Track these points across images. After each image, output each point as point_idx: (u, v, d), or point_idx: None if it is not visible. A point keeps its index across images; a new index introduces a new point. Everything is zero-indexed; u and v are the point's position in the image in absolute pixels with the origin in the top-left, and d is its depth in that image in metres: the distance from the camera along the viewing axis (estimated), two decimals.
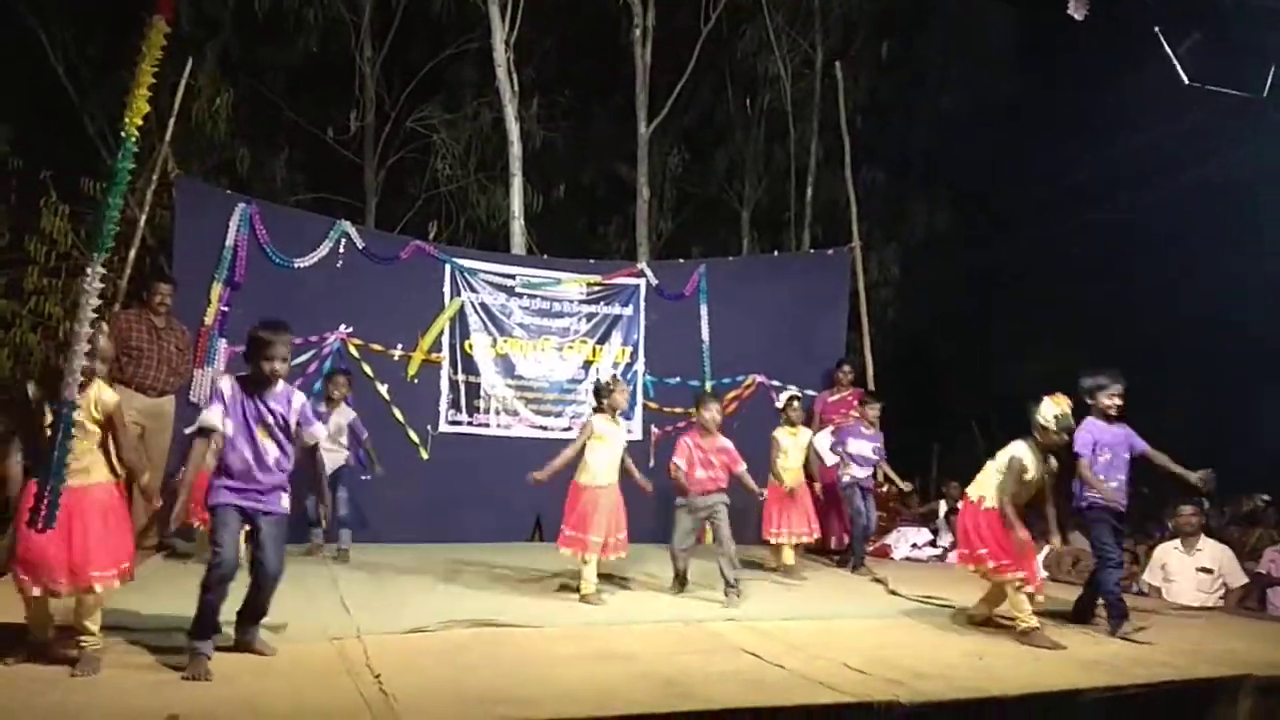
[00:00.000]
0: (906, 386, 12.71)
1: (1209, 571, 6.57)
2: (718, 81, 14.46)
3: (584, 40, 13.41)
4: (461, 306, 8.51)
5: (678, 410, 8.68)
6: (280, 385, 4.03)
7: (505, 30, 10.62)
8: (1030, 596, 4.98)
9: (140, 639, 4.07)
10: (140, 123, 3.70)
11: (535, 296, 8.82)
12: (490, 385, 8.56)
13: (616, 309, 9.02)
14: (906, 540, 8.80)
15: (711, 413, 6.09)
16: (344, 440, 6.82)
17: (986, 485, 5.19)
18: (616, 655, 4.26)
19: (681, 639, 4.73)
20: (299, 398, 4.10)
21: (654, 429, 8.71)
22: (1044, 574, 5.89)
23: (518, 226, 10.61)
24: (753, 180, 15.04)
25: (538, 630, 4.77)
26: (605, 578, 5.87)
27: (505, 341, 8.65)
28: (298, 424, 4.04)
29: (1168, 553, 6.79)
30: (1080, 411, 5.35)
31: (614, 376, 6.23)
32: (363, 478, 7.05)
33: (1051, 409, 5.07)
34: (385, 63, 12.79)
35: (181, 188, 7.84)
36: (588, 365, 8.84)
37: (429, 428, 8.24)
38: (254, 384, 3.98)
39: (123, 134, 3.68)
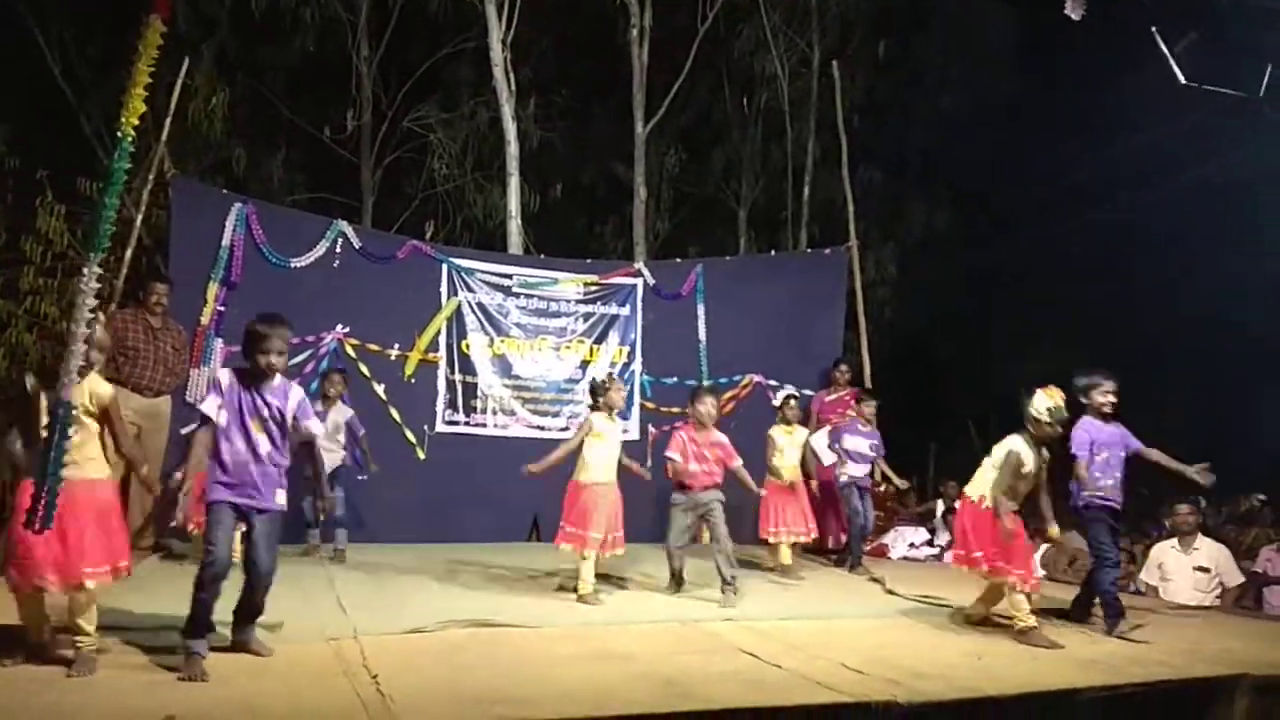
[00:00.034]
0: (904, 386, 12.71)
1: (1206, 571, 6.58)
2: (715, 81, 14.46)
3: (581, 40, 13.41)
4: (458, 306, 8.50)
5: (675, 410, 8.66)
6: (278, 379, 4.03)
7: (502, 30, 10.61)
8: (1026, 595, 4.98)
9: (136, 639, 4.06)
10: (136, 122, 3.70)
11: (532, 296, 8.81)
12: (487, 385, 8.55)
13: (614, 309, 9.02)
14: (904, 540, 8.81)
15: (706, 406, 6.09)
16: (341, 439, 6.82)
17: (984, 483, 5.19)
18: (614, 655, 4.26)
19: (679, 639, 4.73)
20: (297, 392, 4.10)
21: (651, 429, 8.70)
22: (1041, 572, 5.90)
23: (515, 226, 10.61)
24: (750, 180, 15.04)
25: (535, 630, 4.76)
26: (602, 578, 5.86)
27: (502, 341, 8.64)
28: (295, 417, 4.04)
29: (1165, 552, 6.80)
30: (1076, 412, 5.37)
31: (609, 375, 6.24)
32: (359, 477, 7.05)
33: (1044, 401, 5.08)
34: (382, 62, 12.77)
35: (178, 187, 7.82)
36: (585, 365, 8.83)
37: (426, 428, 8.23)
38: (251, 377, 3.98)
39: (119, 134, 3.67)
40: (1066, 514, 5.58)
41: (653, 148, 13.05)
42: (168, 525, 6.17)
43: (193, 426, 4.39)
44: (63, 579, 3.62)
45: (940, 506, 10.01)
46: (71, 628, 3.68)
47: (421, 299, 8.38)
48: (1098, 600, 5.37)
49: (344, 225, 8.25)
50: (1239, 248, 12.32)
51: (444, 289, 8.48)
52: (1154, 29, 7.09)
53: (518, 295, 8.76)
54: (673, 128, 13.93)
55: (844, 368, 8.70)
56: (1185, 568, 6.63)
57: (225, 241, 7.62)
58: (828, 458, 7.58)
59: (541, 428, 8.62)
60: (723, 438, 6.12)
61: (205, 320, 7.44)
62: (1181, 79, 6.97)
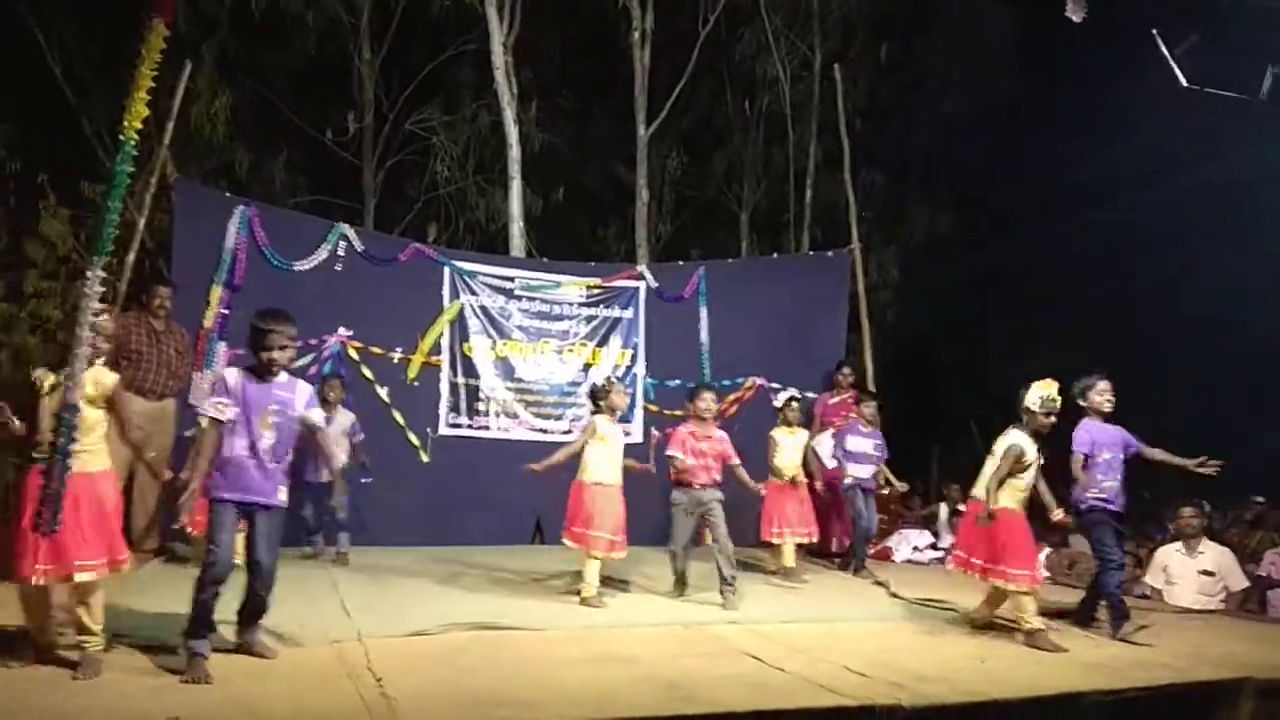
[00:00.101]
0: (907, 389, 12.72)
1: (1210, 574, 6.57)
2: (716, 84, 14.45)
3: (582, 43, 13.40)
4: (461, 309, 8.51)
5: (678, 413, 8.62)
6: (284, 376, 4.05)
7: (504, 32, 10.62)
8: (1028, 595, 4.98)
9: (141, 642, 4.06)
10: (139, 126, 3.71)
11: (535, 299, 8.81)
12: (490, 388, 8.55)
13: (616, 311, 9.02)
14: (908, 543, 8.80)
15: (705, 402, 6.13)
16: (344, 443, 6.82)
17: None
18: (618, 658, 4.26)
19: (683, 642, 4.73)
20: (305, 388, 4.13)
21: (654, 431, 8.67)
22: (1045, 574, 5.90)
23: (517, 229, 10.61)
24: (752, 183, 15.03)
25: (539, 633, 4.77)
26: (605, 580, 5.86)
27: (505, 344, 8.64)
28: (304, 413, 4.06)
29: (1169, 555, 6.79)
30: (1077, 415, 5.38)
31: (608, 379, 6.23)
32: (363, 480, 7.04)
33: (1038, 392, 5.12)
34: (384, 64, 12.77)
35: (180, 191, 7.84)
36: (587, 368, 8.83)
37: (429, 430, 8.23)
38: (257, 374, 4.00)
39: (122, 137, 3.69)
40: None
41: (655, 151, 13.04)
42: (171, 527, 6.18)
43: (192, 432, 4.40)
44: (54, 571, 3.60)
45: (944, 510, 10.00)
46: (78, 627, 3.68)
47: (424, 302, 8.38)
48: (1102, 603, 5.36)
49: (346, 228, 8.25)
50: (1239, 248, 12.32)
51: (446, 292, 8.48)
52: (1155, 31, 7.09)
53: (520, 298, 8.76)
54: (674, 130, 13.92)
55: (846, 370, 8.70)
56: (1190, 571, 6.62)
57: (228, 244, 7.62)
58: (832, 464, 7.57)
59: (544, 430, 8.62)
60: (723, 434, 6.15)
61: (208, 323, 7.45)
62: (1183, 81, 6.97)
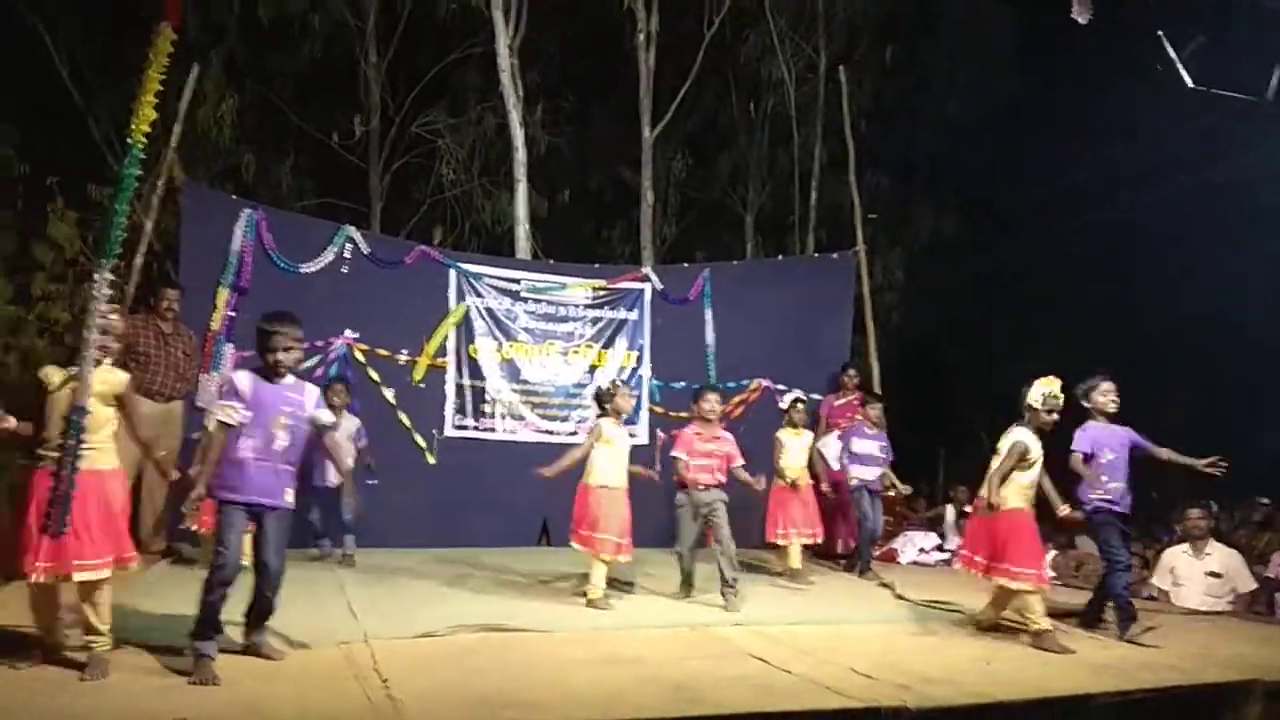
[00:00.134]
0: (912, 391, 12.70)
1: (1218, 576, 6.55)
2: (721, 86, 14.45)
3: (588, 45, 13.42)
4: (467, 311, 8.52)
5: (683, 415, 8.65)
6: (291, 378, 4.07)
7: (509, 35, 10.64)
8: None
9: (148, 643, 4.07)
10: (147, 129, 3.73)
11: (540, 301, 8.83)
12: (496, 390, 8.56)
13: (621, 313, 9.03)
14: (913, 545, 8.79)
15: (710, 403, 6.15)
16: (350, 448, 6.82)
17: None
18: (624, 660, 4.26)
19: (689, 644, 4.73)
20: (312, 389, 4.16)
21: (660, 433, 8.69)
22: (1051, 573, 5.89)
23: (522, 231, 10.63)
24: (757, 185, 15.03)
25: (545, 635, 4.77)
26: (612, 582, 5.86)
27: (511, 346, 8.66)
28: (312, 414, 4.08)
29: (1176, 557, 6.77)
30: (1081, 416, 5.38)
31: (613, 382, 6.25)
32: (369, 482, 7.04)
33: (1040, 389, 5.13)
34: (390, 68, 12.79)
35: (188, 194, 7.86)
36: (593, 370, 8.85)
37: (435, 432, 8.25)
38: (265, 376, 4.02)
39: (130, 141, 3.71)
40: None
41: (660, 153, 13.05)
42: (178, 528, 6.20)
43: (199, 434, 4.42)
44: (54, 569, 3.60)
45: (950, 511, 9.98)
46: (85, 627, 3.70)
47: (430, 304, 8.40)
48: (1109, 605, 5.35)
49: (352, 231, 8.28)
50: (1241, 248, 12.29)
51: (452, 294, 8.50)
52: (1160, 33, 7.09)
53: (526, 300, 8.78)
54: (680, 133, 13.93)
55: (852, 372, 8.70)
56: (1197, 573, 6.60)
57: (235, 247, 7.65)
58: (837, 466, 7.57)
59: (550, 432, 8.63)
60: (728, 436, 6.16)
61: (216, 326, 7.47)
62: (1189, 82, 6.97)
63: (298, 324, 4.09)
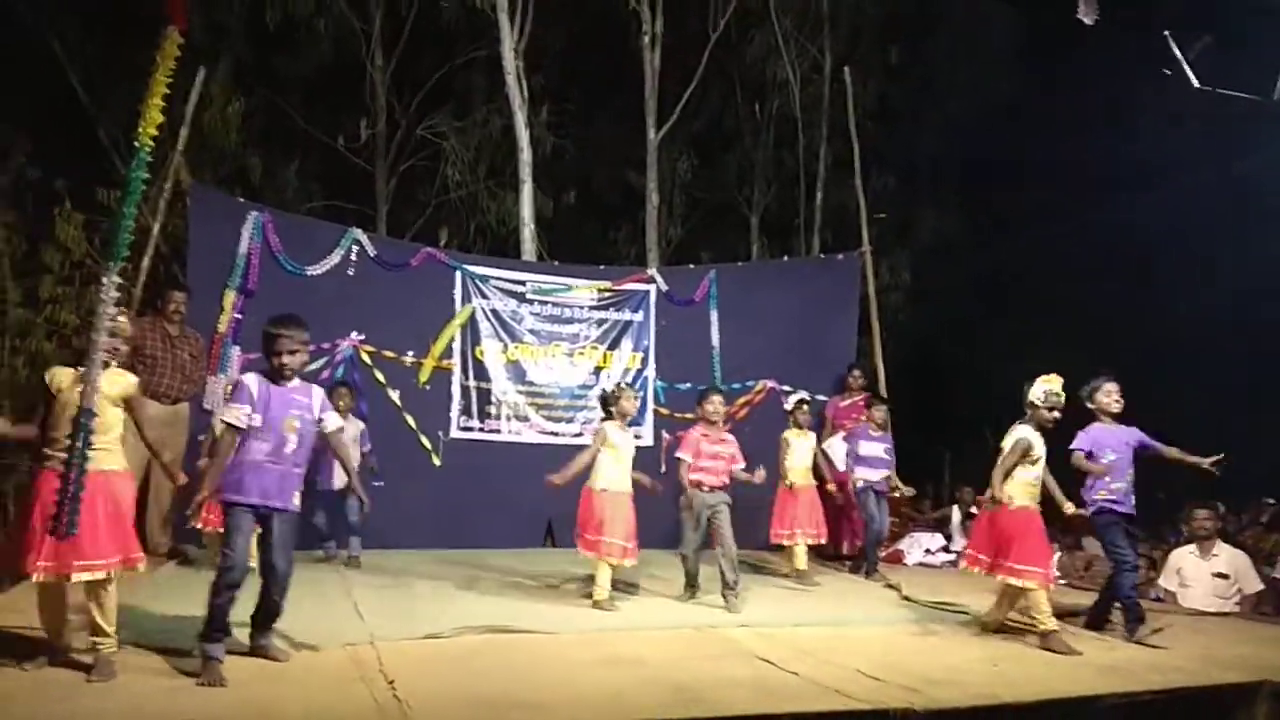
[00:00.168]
0: (918, 391, 12.68)
1: (1225, 577, 6.52)
2: (726, 87, 14.47)
3: (593, 47, 13.45)
4: (472, 313, 8.54)
5: (688, 416, 8.64)
6: (297, 381, 4.09)
7: (515, 38, 10.66)
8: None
9: (155, 645, 4.09)
10: (155, 133, 3.74)
11: (546, 303, 8.83)
12: (501, 391, 8.57)
13: (627, 315, 9.03)
14: (919, 546, 8.78)
15: (714, 405, 6.16)
16: (355, 451, 6.84)
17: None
18: (629, 661, 4.26)
19: (693, 644, 4.74)
20: (318, 391, 4.17)
21: (665, 435, 8.70)
22: (1056, 573, 5.88)
23: (528, 233, 10.64)
24: (762, 186, 15.04)
25: (551, 636, 4.78)
26: (617, 583, 5.86)
27: (516, 347, 8.67)
28: (319, 416, 4.10)
29: (1183, 557, 6.74)
30: (1086, 419, 5.38)
31: (619, 385, 6.25)
32: (375, 484, 7.06)
33: (1041, 386, 5.14)
34: (396, 71, 12.85)
35: (195, 196, 7.90)
36: (598, 371, 8.85)
37: (440, 434, 8.26)
38: (272, 379, 4.04)
39: (137, 144, 3.72)
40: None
41: (665, 154, 13.07)
42: (186, 527, 6.22)
43: (206, 437, 4.44)
44: (54, 568, 3.61)
45: (956, 513, 9.97)
46: (92, 628, 3.71)
47: (436, 306, 8.41)
48: (1116, 606, 5.34)
49: (359, 233, 8.30)
50: (1245, 249, 12.25)
51: (458, 296, 8.52)
52: (1167, 34, 7.08)
53: (531, 302, 8.79)
54: (685, 134, 13.95)
55: (857, 373, 8.69)
56: (1204, 573, 6.58)
57: (242, 250, 7.68)
58: (843, 465, 7.57)
59: (555, 433, 8.63)
60: (731, 438, 6.17)
61: (222, 328, 7.50)
62: (1195, 83, 6.96)
63: (303, 327, 4.10)
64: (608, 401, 5.97)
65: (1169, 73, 7.00)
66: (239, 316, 7.56)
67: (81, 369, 3.64)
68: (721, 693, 3.73)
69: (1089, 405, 5.43)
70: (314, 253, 8.00)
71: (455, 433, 8.34)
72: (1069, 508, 5.23)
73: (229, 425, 3.93)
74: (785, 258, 12.95)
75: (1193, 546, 6.73)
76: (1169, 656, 4.77)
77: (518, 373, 8.65)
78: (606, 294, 9.00)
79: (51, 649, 3.79)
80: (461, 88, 13.29)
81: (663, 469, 7.79)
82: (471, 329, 8.53)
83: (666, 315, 9.10)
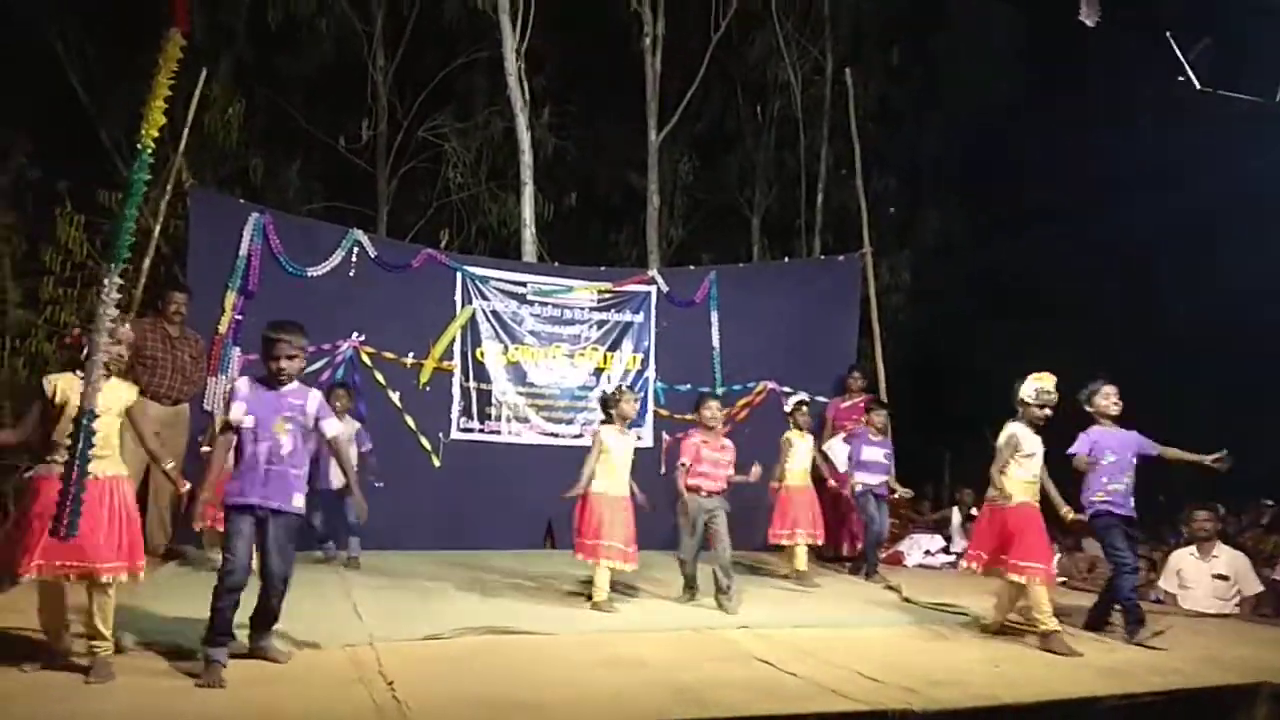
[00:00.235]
0: (919, 392, 12.66)
1: (1225, 578, 6.51)
2: (728, 89, 14.46)
3: (594, 48, 13.44)
4: (473, 314, 8.54)
5: (689, 417, 8.63)
6: (295, 384, 4.10)
7: (516, 39, 10.66)
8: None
9: (154, 646, 4.10)
10: (156, 134, 3.74)
11: (546, 304, 8.84)
12: (502, 392, 8.58)
13: (627, 316, 9.04)
14: (919, 547, 8.78)
15: (711, 411, 6.17)
16: (354, 452, 6.84)
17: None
18: (629, 662, 4.27)
19: (694, 646, 4.74)
20: (315, 394, 4.18)
21: (665, 436, 8.70)
22: (1055, 571, 5.88)
23: (529, 234, 10.64)
24: (763, 187, 15.04)
25: (550, 637, 4.78)
26: (616, 585, 5.86)
27: (517, 349, 8.67)
28: (316, 419, 4.10)
29: (1183, 559, 6.74)
30: (1086, 422, 5.38)
31: (619, 387, 6.26)
32: (377, 484, 7.06)
33: (1032, 384, 5.15)
34: (397, 72, 12.84)
35: (195, 198, 7.91)
36: (599, 372, 8.86)
37: (441, 435, 8.26)
38: (268, 383, 4.06)
39: (139, 146, 3.71)
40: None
41: (666, 155, 13.07)
42: (189, 526, 6.23)
43: (206, 442, 4.45)
44: (50, 568, 3.60)
45: (956, 514, 9.96)
46: (88, 630, 3.72)
47: (436, 307, 8.42)
48: (1116, 608, 5.34)
49: (360, 234, 8.30)
50: (1247, 251, 12.23)
51: (459, 297, 8.52)
52: (1169, 34, 7.07)
53: (532, 303, 8.79)
54: (686, 135, 13.94)
55: (857, 374, 8.70)
56: (1204, 575, 6.57)
57: (242, 251, 7.68)
58: (844, 466, 7.57)
59: (555, 435, 8.63)
60: (729, 444, 6.18)
61: (223, 329, 7.51)
62: (1196, 84, 6.95)
63: (302, 332, 4.12)
64: (608, 404, 5.98)
65: (1182, 78, 6.99)
66: (239, 317, 7.57)
67: (80, 373, 3.64)
68: (721, 694, 3.73)
69: (1087, 408, 5.43)
70: (315, 254, 8.01)
71: (455, 434, 8.34)
72: (1067, 513, 5.24)
73: (226, 426, 3.99)
74: (786, 259, 12.95)
75: (1192, 548, 6.72)
76: (1169, 658, 4.77)
77: (518, 374, 8.66)
78: (607, 295, 9.00)
79: (50, 652, 3.79)
80: (463, 89, 13.29)
81: (662, 470, 7.80)
82: (472, 330, 8.53)
83: (667, 316, 9.10)
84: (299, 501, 4.04)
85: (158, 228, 7.47)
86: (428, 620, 4.89)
